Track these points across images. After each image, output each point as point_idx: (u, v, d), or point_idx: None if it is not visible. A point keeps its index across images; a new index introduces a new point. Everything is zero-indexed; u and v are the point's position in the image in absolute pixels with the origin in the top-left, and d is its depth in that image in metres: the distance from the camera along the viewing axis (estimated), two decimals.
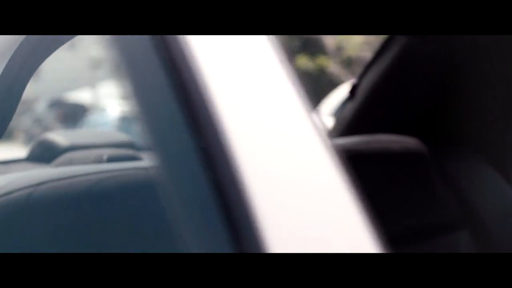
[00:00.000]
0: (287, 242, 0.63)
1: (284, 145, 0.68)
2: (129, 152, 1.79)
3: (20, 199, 1.25)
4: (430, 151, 1.75)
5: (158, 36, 0.72)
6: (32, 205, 1.27)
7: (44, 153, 2.09)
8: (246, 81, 0.71)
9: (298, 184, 0.65)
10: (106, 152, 1.71)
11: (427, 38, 1.70)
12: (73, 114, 17.83)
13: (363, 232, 0.64)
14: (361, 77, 1.84)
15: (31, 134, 17.10)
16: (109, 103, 18.04)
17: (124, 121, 15.33)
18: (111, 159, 1.66)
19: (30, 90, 1.22)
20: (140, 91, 0.75)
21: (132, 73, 0.76)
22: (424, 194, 1.72)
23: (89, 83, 21.94)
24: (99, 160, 1.67)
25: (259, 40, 0.74)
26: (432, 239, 1.65)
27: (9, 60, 1.12)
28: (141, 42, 0.74)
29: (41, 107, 18.71)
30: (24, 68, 1.14)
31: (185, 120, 0.67)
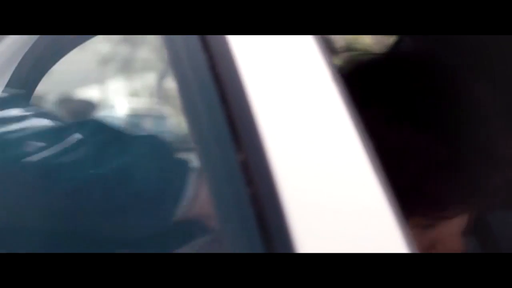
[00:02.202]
0: (318, 243, 0.63)
1: (325, 151, 0.67)
2: None
3: None
4: None
5: (204, 36, 0.72)
6: None
7: None
8: (287, 82, 0.71)
9: (338, 197, 0.65)
10: None
11: (436, 39, 1.70)
12: (81, 111, 17.83)
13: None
14: None
15: None
16: (118, 100, 18.03)
17: (133, 118, 15.32)
18: None
19: (39, 86, 1.22)
20: (185, 92, 0.75)
21: (178, 73, 0.76)
22: None
23: (97, 80, 21.93)
24: None
25: (305, 40, 0.73)
26: None
27: (21, 60, 1.12)
28: (189, 42, 0.74)
29: (49, 103, 18.71)
30: (36, 68, 1.15)
31: (227, 126, 0.68)
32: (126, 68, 20.65)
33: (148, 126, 14.90)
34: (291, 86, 0.72)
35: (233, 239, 0.68)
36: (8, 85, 1.13)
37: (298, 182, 0.66)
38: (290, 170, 0.66)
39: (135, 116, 15.52)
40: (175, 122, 16.42)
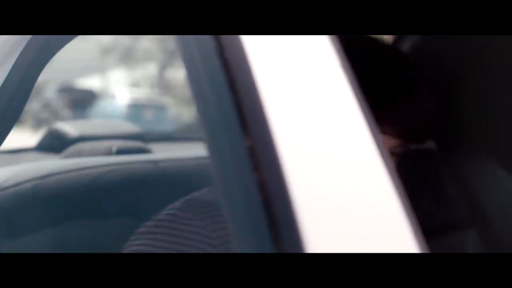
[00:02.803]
0: (327, 242, 0.63)
1: (334, 147, 0.67)
2: (139, 144, 1.79)
3: (26, 191, 1.26)
4: (439, 149, 1.75)
5: (217, 36, 0.72)
6: (37, 198, 1.27)
7: (54, 143, 2.09)
8: (300, 82, 0.70)
9: (349, 198, 0.65)
10: (116, 144, 1.71)
11: (438, 37, 1.70)
12: (82, 100, 17.84)
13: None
14: None
15: (39, 119, 17.12)
16: (119, 90, 18.04)
17: (133, 108, 15.32)
18: (120, 152, 1.66)
19: (40, 74, 1.22)
20: (197, 88, 0.75)
21: (187, 60, 0.76)
22: (433, 193, 1.71)
23: (99, 69, 21.95)
24: (108, 152, 1.67)
25: (319, 40, 0.73)
26: (440, 239, 1.65)
27: (22, 51, 1.12)
28: (202, 42, 0.74)
29: (50, 92, 18.71)
30: (37, 59, 1.14)
31: (237, 119, 0.68)
32: (127, 58, 20.66)
33: (149, 116, 14.91)
34: (301, 77, 0.71)
35: (239, 225, 0.68)
36: (11, 72, 1.13)
37: (304, 168, 0.66)
38: (296, 157, 0.66)
39: (136, 106, 15.49)
40: (176, 112, 16.42)
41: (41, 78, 1.20)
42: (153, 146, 1.94)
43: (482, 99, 1.79)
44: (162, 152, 1.78)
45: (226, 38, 0.73)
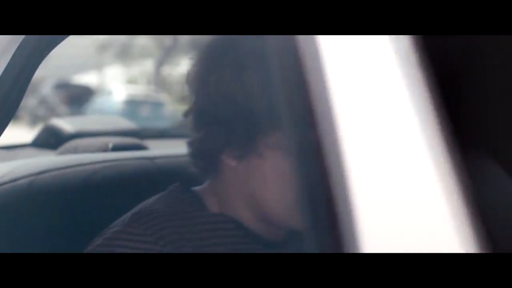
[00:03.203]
0: (384, 242, 0.64)
1: (395, 147, 0.68)
2: (135, 140, 1.79)
3: (22, 187, 1.26)
4: None
5: (289, 36, 0.74)
6: (33, 194, 1.27)
7: (50, 139, 2.09)
8: (367, 81, 0.71)
9: (404, 191, 0.66)
10: (112, 140, 1.71)
11: (436, 37, 1.70)
12: (78, 96, 17.82)
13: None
14: None
15: (36, 115, 17.11)
16: (115, 86, 18.02)
17: (130, 105, 15.30)
18: (116, 148, 1.66)
19: (37, 70, 1.22)
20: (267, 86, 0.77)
21: (268, 69, 0.78)
22: None
23: (95, 66, 21.92)
24: (104, 149, 1.67)
25: (398, 41, 0.74)
26: None
27: (18, 47, 1.12)
28: (279, 41, 0.76)
29: (46, 88, 18.69)
30: (33, 55, 1.14)
31: (306, 115, 0.70)
32: (124, 54, 20.64)
33: (145, 113, 14.89)
34: (368, 76, 0.72)
35: (302, 217, 0.70)
36: (7, 69, 1.13)
37: (366, 166, 0.67)
38: (359, 154, 0.68)
39: (132, 103, 15.46)
40: (172, 109, 16.38)
41: (38, 74, 1.20)
42: (149, 143, 1.94)
43: (481, 99, 1.79)
44: (158, 149, 1.78)
45: (300, 38, 0.74)
